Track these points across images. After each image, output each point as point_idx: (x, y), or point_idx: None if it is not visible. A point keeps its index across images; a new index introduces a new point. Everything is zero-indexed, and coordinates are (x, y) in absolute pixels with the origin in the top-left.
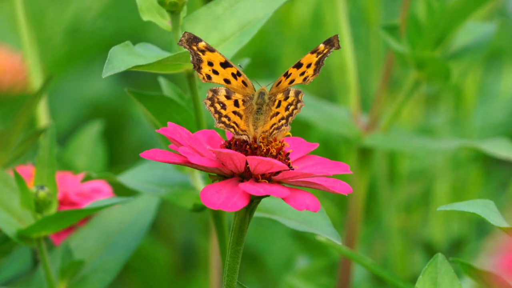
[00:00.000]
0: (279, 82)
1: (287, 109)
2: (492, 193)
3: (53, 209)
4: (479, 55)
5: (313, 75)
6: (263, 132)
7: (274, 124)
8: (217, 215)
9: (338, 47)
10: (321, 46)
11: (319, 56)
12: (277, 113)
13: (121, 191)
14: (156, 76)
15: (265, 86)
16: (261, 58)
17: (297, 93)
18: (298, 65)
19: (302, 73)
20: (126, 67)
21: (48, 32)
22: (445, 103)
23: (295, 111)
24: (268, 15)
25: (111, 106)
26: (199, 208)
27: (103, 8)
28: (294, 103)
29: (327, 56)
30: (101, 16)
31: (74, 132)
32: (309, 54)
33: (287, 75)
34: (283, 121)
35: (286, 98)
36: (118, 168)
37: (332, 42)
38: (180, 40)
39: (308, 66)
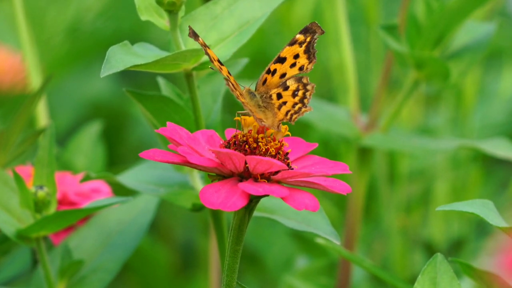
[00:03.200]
0: (265, 80)
1: (294, 95)
2: (492, 193)
3: (52, 209)
4: (478, 55)
5: (309, 63)
6: (280, 120)
7: (289, 110)
8: (216, 215)
9: (322, 32)
10: (299, 36)
11: (304, 45)
12: (285, 102)
13: (121, 191)
14: (156, 76)
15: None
16: (261, 58)
17: (299, 79)
18: (281, 60)
19: (293, 65)
20: (124, 67)
21: (48, 32)
22: (445, 103)
23: (307, 93)
24: (267, 14)
25: (111, 106)
26: (198, 208)
27: (103, 8)
28: (301, 88)
29: (314, 43)
30: (101, 16)
31: (73, 132)
32: (287, 47)
33: (270, 71)
34: (300, 105)
35: (286, 88)
36: (118, 168)
37: (311, 30)
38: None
39: (296, 56)
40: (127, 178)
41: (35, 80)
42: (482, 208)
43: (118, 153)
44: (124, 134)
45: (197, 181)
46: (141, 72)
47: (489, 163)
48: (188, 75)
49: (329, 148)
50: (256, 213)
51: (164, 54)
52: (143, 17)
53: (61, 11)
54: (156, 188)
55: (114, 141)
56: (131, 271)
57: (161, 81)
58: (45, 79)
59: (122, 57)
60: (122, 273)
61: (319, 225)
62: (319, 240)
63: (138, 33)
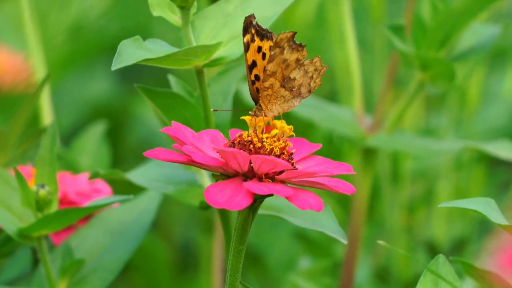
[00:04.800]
0: None
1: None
2: (494, 194)
3: (53, 208)
4: (483, 57)
5: None
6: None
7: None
8: (224, 215)
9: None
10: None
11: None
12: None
13: (123, 191)
14: (159, 77)
15: None
16: None
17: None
18: None
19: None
20: (136, 60)
21: (50, 32)
22: (448, 105)
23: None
24: (278, 13)
25: (111, 107)
26: (206, 206)
27: (106, 7)
28: None
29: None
30: (104, 16)
31: (76, 132)
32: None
33: None
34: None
35: None
36: (120, 168)
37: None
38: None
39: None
40: (135, 175)
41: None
42: (485, 206)
43: (119, 153)
44: (125, 134)
45: (205, 179)
46: (142, 73)
47: (492, 164)
48: (199, 72)
49: (333, 148)
50: (263, 211)
51: (175, 50)
52: (155, 13)
53: (63, 11)
54: (164, 185)
55: (115, 141)
56: (133, 270)
57: (171, 78)
58: (43, 79)
59: (134, 51)
60: (123, 272)
61: (326, 223)
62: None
63: (142, 33)
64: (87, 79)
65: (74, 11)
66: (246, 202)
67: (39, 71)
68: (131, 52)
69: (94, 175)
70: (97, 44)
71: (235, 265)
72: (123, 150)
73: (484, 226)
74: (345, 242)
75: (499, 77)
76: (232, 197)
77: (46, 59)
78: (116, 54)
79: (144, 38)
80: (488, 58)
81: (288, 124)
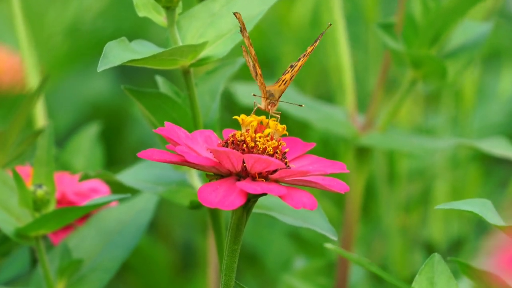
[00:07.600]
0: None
1: None
2: (491, 193)
3: (51, 208)
4: (475, 54)
5: None
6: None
7: None
8: (214, 214)
9: None
10: None
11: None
12: None
13: (120, 191)
14: (154, 75)
15: None
16: (260, 58)
17: None
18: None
19: None
20: (121, 61)
21: (47, 32)
22: (444, 103)
23: None
24: (263, 11)
25: (110, 107)
26: (196, 205)
27: (103, 8)
28: None
29: None
30: (100, 17)
31: (73, 132)
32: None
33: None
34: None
35: None
36: (117, 168)
37: None
38: None
39: None
40: (125, 176)
41: (33, 81)
42: (481, 207)
43: (117, 153)
44: (123, 134)
45: (195, 179)
46: (139, 72)
47: (488, 162)
48: (186, 72)
49: (328, 148)
50: (254, 210)
51: (161, 50)
52: (141, 14)
53: (60, 11)
54: (154, 186)
55: (113, 141)
56: (131, 271)
57: (159, 79)
58: (42, 80)
59: (120, 52)
60: (121, 272)
61: (317, 221)
62: (328, 245)
63: (137, 33)
64: (85, 78)
65: (72, 11)
66: (239, 201)
67: (31, 72)
68: (117, 53)
69: (85, 177)
70: (94, 44)
71: (230, 265)
72: (123, 150)
73: (481, 226)
74: (335, 239)
75: (494, 75)
76: (225, 197)
77: (43, 59)
78: (102, 55)
79: (140, 38)
80: (483, 57)
81: (283, 124)
